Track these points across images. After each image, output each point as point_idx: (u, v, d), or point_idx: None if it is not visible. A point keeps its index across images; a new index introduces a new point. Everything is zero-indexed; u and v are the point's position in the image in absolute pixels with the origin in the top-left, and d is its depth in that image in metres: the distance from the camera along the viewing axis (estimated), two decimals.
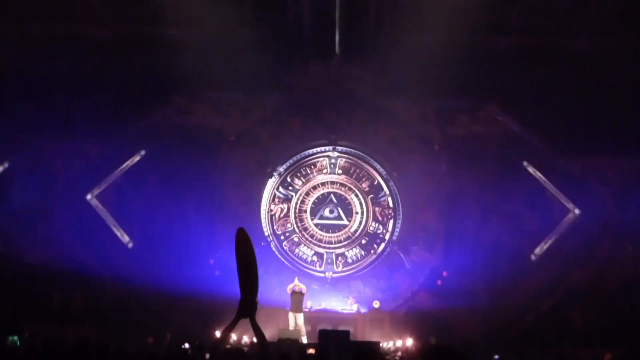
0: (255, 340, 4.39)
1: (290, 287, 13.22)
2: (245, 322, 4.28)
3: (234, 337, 13.22)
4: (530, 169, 15.38)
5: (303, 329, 12.82)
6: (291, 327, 12.74)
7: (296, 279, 13.51)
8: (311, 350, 8.80)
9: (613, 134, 14.28)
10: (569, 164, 15.19)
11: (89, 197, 15.27)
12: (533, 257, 15.05)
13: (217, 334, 13.24)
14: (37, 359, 5.87)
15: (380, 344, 12.05)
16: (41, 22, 14.11)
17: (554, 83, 14.54)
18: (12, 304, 12.83)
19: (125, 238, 15.25)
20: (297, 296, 13.09)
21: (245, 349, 11.37)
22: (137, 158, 15.62)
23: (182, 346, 10.54)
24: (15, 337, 10.74)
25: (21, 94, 14.29)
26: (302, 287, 13.30)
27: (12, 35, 14.38)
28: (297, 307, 12.99)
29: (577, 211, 15.05)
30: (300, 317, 12.92)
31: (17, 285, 13.90)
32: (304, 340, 12.47)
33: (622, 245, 14.62)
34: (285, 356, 4.76)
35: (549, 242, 15.14)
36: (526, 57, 14.51)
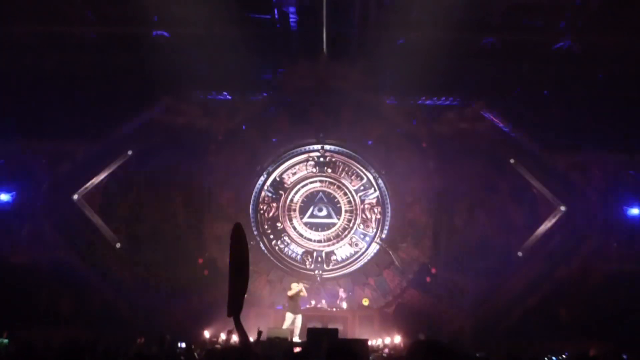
0: (238, 340, 4.38)
1: (295, 292, 13.02)
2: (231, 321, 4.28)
3: (222, 336, 13.25)
4: (517, 166, 15.51)
5: (298, 330, 12.82)
6: (286, 325, 12.71)
7: (301, 284, 13.33)
8: (298, 349, 8.80)
9: (598, 130, 14.43)
10: (554, 160, 15.34)
11: (75, 197, 15.18)
12: (520, 254, 15.18)
13: (206, 333, 13.24)
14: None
15: (369, 342, 12.08)
16: (27, 22, 13.99)
17: (539, 80, 14.66)
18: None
19: (113, 239, 15.18)
20: (298, 298, 13.08)
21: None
22: (124, 158, 15.56)
23: (179, 345, 10.53)
24: (6, 340, 10.68)
25: (5, 94, 14.15)
26: (304, 291, 13.28)
27: None
28: (296, 308, 13.00)
29: (562, 207, 15.21)
30: (299, 318, 12.90)
31: (4, 287, 13.82)
32: (296, 339, 12.47)
33: (607, 241, 14.80)
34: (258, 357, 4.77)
35: (536, 238, 15.29)
36: (511, 55, 14.62)
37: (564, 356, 10.86)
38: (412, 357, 2.43)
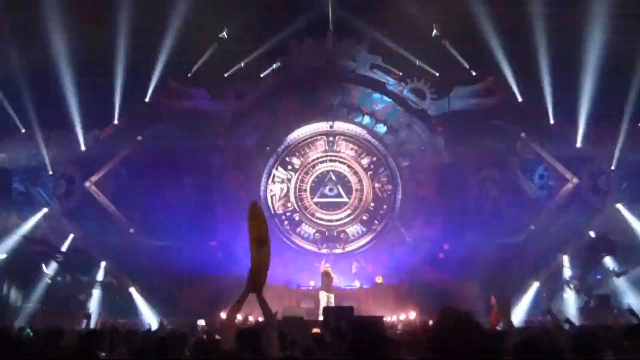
0: (262, 318, 4.42)
1: (327, 269, 13.48)
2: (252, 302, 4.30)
3: (239, 317, 13.41)
4: (528, 140, 15.39)
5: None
6: (322, 304, 12.95)
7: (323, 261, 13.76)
8: (316, 330, 8.84)
9: (610, 103, 14.24)
10: (566, 133, 15.20)
11: (87, 184, 15.27)
12: (532, 227, 15.15)
13: (223, 315, 13.41)
14: (44, 347, 5.95)
15: (384, 318, 12.19)
16: (23, 10, 13.88)
17: (551, 54, 14.38)
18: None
19: (126, 225, 15.29)
20: (330, 278, 13.45)
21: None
22: (134, 144, 15.58)
23: (198, 322, 10.65)
24: (29, 330, 10.89)
25: (11, 84, 14.12)
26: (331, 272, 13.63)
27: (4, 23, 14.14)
28: (329, 287, 13.34)
29: (575, 180, 15.11)
30: (332, 297, 13.20)
31: (21, 273, 14.07)
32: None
33: (621, 214, 14.72)
34: (283, 335, 4.81)
35: (548, 212, 15.25)
36: (524, 28, 14.36)
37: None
38: (440, 327, 2.43)
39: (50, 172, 15.04)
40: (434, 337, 2.37)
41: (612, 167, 14.83)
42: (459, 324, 2.37)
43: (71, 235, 14.80)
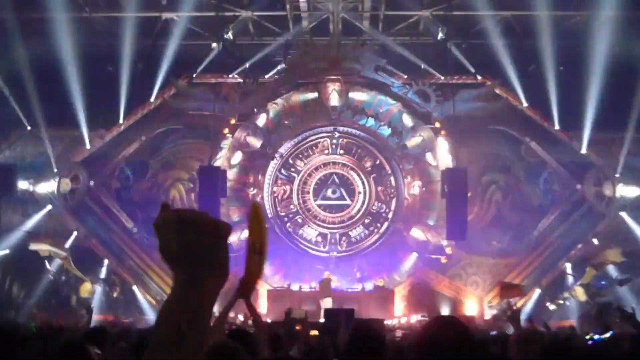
0: (251, 321, 4.49)
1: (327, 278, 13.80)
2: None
3: (240, 317, 13.42)
4: (533, 145, 15.33)
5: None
6: (322, 307, 13.05)
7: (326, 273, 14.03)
8: (315, 332, 8.82)
9: (615, 109, 14.17)
10: (570, 139, 15.14)
11: (92, 183, 15.34)
12: (536, 233, 15.10)
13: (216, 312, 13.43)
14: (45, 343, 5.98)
15: (385, 322, 12.17)
16: (37, 8, 13.97)
17: (557, 58, 14.32)
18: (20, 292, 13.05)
19: (130, 224, 15.35)
20: (327, 282, 13.71)
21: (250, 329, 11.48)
22: (138, 143, 15.63)
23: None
24: (33, 324, 10.96)
25: (17, 81, 14.18)
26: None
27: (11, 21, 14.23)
28: (326, 292, 13.50)
29: (578, 186, 15.05)
30: (329, 301, 13.34)
31: (24, 274, 14.16)
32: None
33: (624, 220, 14.65)
34: (277, 336, 4.84)
35: (552, 218, 15.19)
36: (527, 31, 14.35)
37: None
38: (428, 333, 2.41)
39: (55, 170, 15.10)
40: (421, 345, 2.34)
41: (617, 174, 14.75)
42: (451, 333, 2.35)
43: (74, 233, 14.88)
